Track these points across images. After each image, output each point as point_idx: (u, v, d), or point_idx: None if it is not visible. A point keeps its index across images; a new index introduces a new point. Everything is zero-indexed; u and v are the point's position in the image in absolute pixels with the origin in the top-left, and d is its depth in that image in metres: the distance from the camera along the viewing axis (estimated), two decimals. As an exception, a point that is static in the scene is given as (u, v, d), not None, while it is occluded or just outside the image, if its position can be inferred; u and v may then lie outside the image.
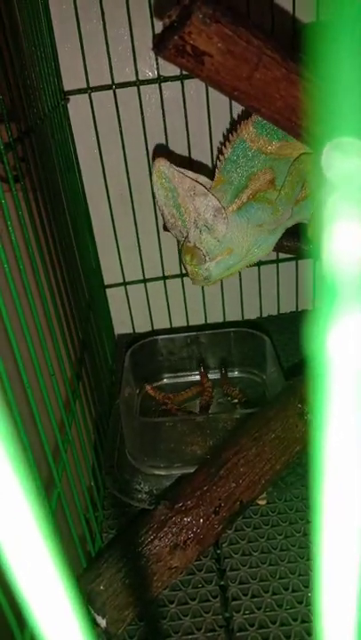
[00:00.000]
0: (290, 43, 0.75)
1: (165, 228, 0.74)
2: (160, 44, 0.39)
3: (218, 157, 0.57)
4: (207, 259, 0.56)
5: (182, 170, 0.54)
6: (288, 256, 0.87)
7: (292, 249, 0.63)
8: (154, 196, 0.80)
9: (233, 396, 0.72)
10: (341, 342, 0.10)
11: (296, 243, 0.63)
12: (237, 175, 0.56)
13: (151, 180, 0.55)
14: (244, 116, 0.57)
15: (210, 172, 0.60)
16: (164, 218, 0.57)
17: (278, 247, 0.62)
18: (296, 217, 0.60)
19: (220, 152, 0.57)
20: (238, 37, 0.38)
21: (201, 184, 0.55)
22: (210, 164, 0.81)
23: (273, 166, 0.56)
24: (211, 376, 0.77)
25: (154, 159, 0.55)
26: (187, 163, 0.81)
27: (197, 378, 0.78)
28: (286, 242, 0.62)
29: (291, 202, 0.57)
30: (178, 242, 0.59)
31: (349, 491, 0.13)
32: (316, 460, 0.12)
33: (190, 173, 0.55)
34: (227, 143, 0.57)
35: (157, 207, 0.58)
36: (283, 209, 0.57)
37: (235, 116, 0.79)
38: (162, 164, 0.53)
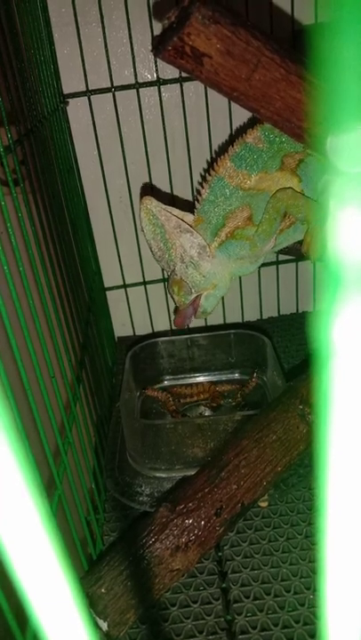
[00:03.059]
0: (289, 44, 0.75)
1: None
2: (159, 46, 0.40)
3: (196, 198, 0.58)
4: (193, 291, 0.59)
5: (169, 208, 0.57)
6: (288, 258, 0.87)
7: (292, 250, 0.63)
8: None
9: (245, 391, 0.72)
10: (346, 333, 0.10)
11: (296, 244, 0.63)
12: (215, 214, 0.58)
13: (141, 212, 0.57)
14: (223, 150, 0.58)
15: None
16: (151, 250, 0.59)
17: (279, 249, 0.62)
18: (283, 244, 0.61)
19: (198, 192, 0.58)
20: (237, 38, 0.38)
21: (186, 222, 0.57)
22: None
23: (250, 203, 0.57)
24: (212, 379, 0.77)
25: (141, 197, 0.58)
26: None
27: (198, 380, 0.78)
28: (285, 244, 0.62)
29: (270, 236, 0.58)
30: (164, 271, 0.62)
31: (354, 491, 0.12)
32: (321, 459, 0.12)
33: (176, 211, 0.57)
34: (204, 183, 0.57)
35: (145, 240, 0.59)
36: (261, 244, 0.58)
37: (233, 119, 0.79)
38: (149, 203, 0.56)
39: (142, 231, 0.58)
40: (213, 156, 0.81)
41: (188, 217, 0.58)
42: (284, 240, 0.60)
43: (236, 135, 0.80)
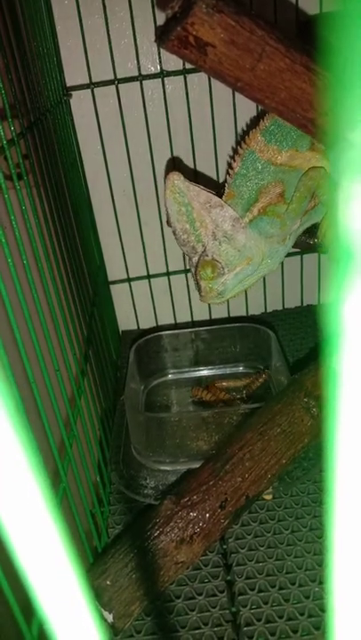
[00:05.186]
0: (294, 34, 0.74)
1: (169, 225, 0.74)
2: (163, 36, 0.39)
3: (227, 172, 0.57)
4: (226, 270, 0.56)
5: (195, 184, 0.54)
6: (293, 250, 0.86)
7: (297, 243, 0.63)
8: (158, 196, 0.81)
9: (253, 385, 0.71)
10: (356, 322, 0.10)
11: (301, 237, 0.63)
12: (247, 189, 0.56)
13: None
14: (252, 125, 0.57)
15: (213, 182, 0.59)
16: (175, 234, 0.57)
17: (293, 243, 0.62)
18: (305, 224, 0.60)
19: (230, 166, 0.57)
20: (241, 27, 0.38)
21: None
22: (213, 161, 0.81)
23: (283, 179, 0.56)
24: (217, 372, 0.77)
25: (166, 174, 0.55)
26: (193, 175, 0.80)
27: (203, 374, 0.78)
28: (304, 237, 0.62)
29: (298, 215, 0.57)
30: (186, 258, 0.59)
31: None
32: (328, 451, 0.12)
33: (203, 187, 0.55)
34: (236, 157, 0.56)
35: (169, 224, 0.56)
36: (290, 223, 0.57)
37: (237, 111, 0.78)
38: (176, 179, 0.53)
39: (166, 212, 0.55)
40: (217, 147, 0.80)
41: (214, 197, 0.56)
42: (307, 221, 0.59)
43: (239, 127, 0.80)
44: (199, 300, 0.59)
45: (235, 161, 0.56)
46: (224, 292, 0.58)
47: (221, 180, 0.72)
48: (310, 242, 0.63)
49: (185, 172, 0.80)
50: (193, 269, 0.58)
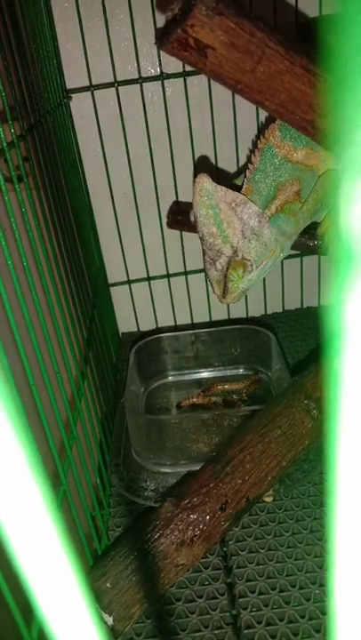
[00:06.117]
0: (293, 36, 0.74)
1: (170, 226, 0.74)
2: (163, 38, 0.39)
3: (247, 167, 0.57)
4: (254, 267, 0.57)
5: (220, 185, 0.54)
6: (293, 252, 0.86)
7: (297, 245, 0.63)
8: (158, 198, 0.81)
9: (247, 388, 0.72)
10: (357, 323, 0.10)
11: (301, 238, 0.63)
12: (266, 185, 0.56)
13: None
14: (271, 119, 0.57)
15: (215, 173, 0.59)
16: (202, 239, 0.56)
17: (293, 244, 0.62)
18: (309, 222, 0.61)
19: (249, 161, 0.57)
20: (241, 30, 0.38)
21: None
22: (213, 161, 0.81)
23: (300, 177, 0.56)
24: (217, 374, 0.77)
25: (195, 177, 0.55)
26: (192, 175, 0.80)
27: (203, 376, 0.78)
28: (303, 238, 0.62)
29: (311, 215, 0.58)
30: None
31: None
32: (329, 453, 0.12)
33: (227, 187, 0.55)
34: (255, 151, 0.57)
35: (196, 229, 0.56)
36: (303, 222, 0.58)
37: (237, 113, 0.78)
38: (205, 181, 0.53)
39: (194, 215, 0.55)
40: (217, 150, 0.80)
41: (239, 195, 0.56)
42: (312, 217, 0.60)
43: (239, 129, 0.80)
44: (220, 302, 0.59)
45: (255, 155, 0.56)
46: (246, 290, 0.59)
47: (221, 181, 0.71)
48: (310, 244, 0.63)
49: (183, 178, 0.80)
50: (215, 273, 0.57)
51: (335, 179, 0.55)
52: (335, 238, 0.10)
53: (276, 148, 0.55)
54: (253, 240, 0.56)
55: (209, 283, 0.59)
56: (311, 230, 0.62)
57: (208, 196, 0.53)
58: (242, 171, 0.70)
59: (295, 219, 0.57)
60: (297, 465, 0.56)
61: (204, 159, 0.81)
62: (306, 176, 0.56)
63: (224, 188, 0.54)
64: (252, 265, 0.56)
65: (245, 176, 0.57)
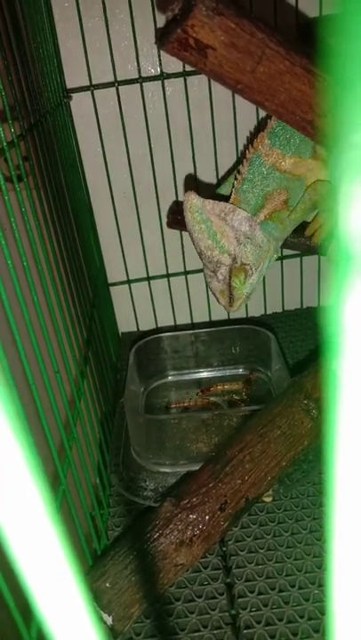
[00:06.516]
0: (294, 36, 0.74)
1: (169, 226, 0.74)
2: (163, 38, 0.39)
3: (235, 177, 0.58)
4: (253, 270, 0.58)
5: (208, 199, 0.55)
6: (292, 253, 0.87)
7: (296, 245, 0.63)
8: (158, 198, 0.81)
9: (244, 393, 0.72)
10: (356, 323, 0.10)
11: (301, 239, 0.63)
12: (254, 195, 0.57)
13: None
14: (253, 129, 0.57)
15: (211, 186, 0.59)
16: (200, 254, 0.58)
17: (282, 244, 0.62)
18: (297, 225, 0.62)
19: (238, 171, 0.58)
20: (242, 30, 0.38)
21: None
22: (212, 161, 0.81)
23: (287, 187, 0.57)
24: (217, 374, 0.77)
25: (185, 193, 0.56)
26: (192, 175, 0.80)
27: (203, 375, 0.78)
28: (290, 237, 0.62)
29: (298, 223, 0.59)
30: (207, 276, 0.59)
31: None
32: (328, 453, 0.12)
33: (214, 200, 0.56)
34: (244, 161, 0.57)
35: (193, 246, 0.58)
36: (290, 228, 0.59)
37: (237, 113, 0.78)
38: (193, 198, 0.54)
39: (190, 233, 0.56)
40: (217, 149, 0.80)
41: (226, 205, 0.57)
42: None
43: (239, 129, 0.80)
44: (227, 311, 0.60)
45: (243, 165, 0.57)
46: (249, 293, 0.60)
47: (202, 192, 0.71)
48: (310, 244, 0.63)
49: (183, 178, 0.80)
50: (217, 284, 0.58)
51: (325, 190, 0.56)
52: (334, 239, 0.10)
53: (265, 156, 0.56)
54: (248, 244, 0.57)
55: (213, 295, 0.60)
56: (303, 230, 0.62)
57: (198, 212, 0.55)
58: (222, 182, 0.70)
59: (283, 226, 0.58)
60: (296, 465, 0.56)
61: (187, 169, 0.81)
62: (294, 185, 0.57)
63: (211, 200, 0.55)
64: (251, 268, 0.57)
65: (234, 186, 0.58)
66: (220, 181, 0.81)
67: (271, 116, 0.55)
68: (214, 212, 0.55)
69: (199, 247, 0.57)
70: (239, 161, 0.59)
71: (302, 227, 0.62)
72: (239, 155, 0.81)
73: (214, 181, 0.83)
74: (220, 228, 0.56)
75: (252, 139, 0.60)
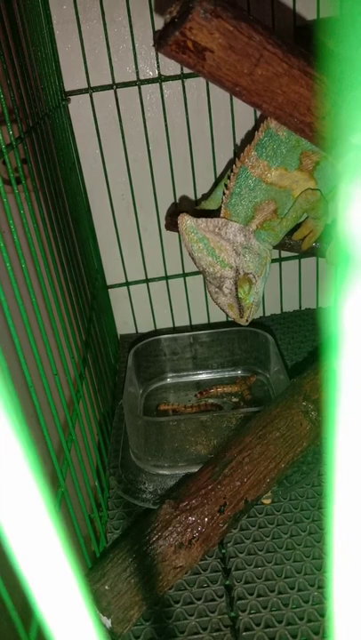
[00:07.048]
0: (291, 38, 0.75)
1: (168, 228, 0.74)
2: (161, 41, 0.39)
3: (224, 192, 0.59)
4: (256, 277, 0.59)
5: (200, 219, 0.57)
6: (291, 254, 0.87)
7: (294, 246, 0.63)
8: (156, 200, 0.81)
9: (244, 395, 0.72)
10: (355, 324, 0.10)
11: (300, 241, 0.63)
12: (243, 207, 0.58)
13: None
14: (251, 135, 0.58)
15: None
16: (203, 272, 0.59)
17: (281, 245, 0.62)
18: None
19: (226, 186, 0.59)
20: (239, 32, 0.38)
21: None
22: (211, 165, 0.81)
23: (275, 198, 0.58)
24: (216, 376, 0.77)
25: (167, 217, 0.57)
26: (191, 176, 0.80)
27: (201, 377, 0.78)
28: (289, 239, 0.62)
29: (288, 230, 0.60)
30: (212, 293, 0.60)
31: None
32: (328, 454, 0.12)
33: (207, 217, 0.57)
34: (231, 176, 0.58)
35: (195, 265, 0.59)
36: (281, 235, 0.60)
37: (235, 115, 0.79)
38: (186, 220, 0.56)
39: (190, 254, 0.58)
40: (215, 152, 0.80)
41: (218, 220, 0.59)
42: None
43: (237, 132, 0.80)
44: (240, 323, 0.61)
45: (230, 180, 0.58)
46: (258, 302, 0.61)
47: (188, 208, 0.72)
48: (301, 247, 0.63)
49: (182, 179, 0.81)
50: (224, 299, 0.59)
51: (315, 198, 0.57)
52: (333, 241, 0.10)
53: (251, 168, 0.57)
54: (247, 253, 0.58)
55: (221, 309, 0.61)
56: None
57: (194, 232, 0.56)
58: (208, 195, 0.71)
59: (275, 232, 0.60)
60: (295, 467, 0.56)
61: (185, 171, 0.81)
62: (281, 196, 0.58)
63: (204, 219, 0.57)
64: (254, 277, 0.59)
65: (223, 201, 0.59)
66: (205, 196, 0.81)
67: (259, 129, 0.56)
68: (209, 228, 0.57)
69: (201, 266, 0.58)
70: (227, 169, 0.60)
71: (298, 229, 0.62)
72: (237, 156, 0.81)
73: (214, 182, 0.83)
74: (217, 244, 0.57)
75: (239, 152, 0.61)
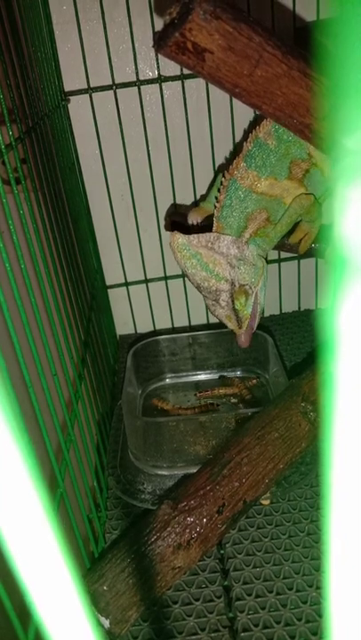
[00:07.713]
0: (291, 40, 0.75)
1: (167, 228, 0.74)
2: (161, 42, 0.39)
3: (215, 206, 0.59)
4: (253, 289, 0.59)
5: (192, 235, 0.57)
6: (290, 255, 0.87)
7: (293, 247, 0.63)
8: (155, 201, 0.81)
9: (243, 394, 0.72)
10: (352, 326, 0.10)
11: (296, 243, 0.63)
12: (235, 219, 0.58)
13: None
14: (236, 153, 0.58)
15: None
16: (198, 288, 0.59)
17: (280, 246, 0.62)
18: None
19: (217, 199, 0.59)
20: (239, 34, 0.38)
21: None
22: (210, 165, 0.81)
23: (267, 207, 0.58)
24: (214, 376, 0.77)
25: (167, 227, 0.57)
26: (191, 176, 0.80)
27: (200, 378, 0.78)
28: (287, 240, 0.62)
29: (282, 234, 0.60)
30: (210, 307, 0.60)
31: (358, 488, 0.12)
32: (326, 455, 0.12)
33: (198, 232, 0.57)
34: (221, 189, 0.58)
35: (190, 281, 0.59)
36: (275, 240, 0.60)
37: (235, 116, 0.79)
38: (178, 238, 0.56)
39: (183, 271, 0.58)
40: (215, 153, 0.80)
41: (210, 234, 0.59)
42: None
43: (237, 132, 0.80)
44: (238, 334, 0.61)
45: (220, 193, 0.58)
46: (262, 309, 0.61)
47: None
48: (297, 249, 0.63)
49: (182, 180, 0.81)
50: (221, 311, 0.60)
51: (309, 203, 0.57)
52: (332, 243, 0.10)
53: (240, 180, 0.57)
54: (241, 265, 0.58)
55: (219, 320, 0.61)
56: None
57: (186, 249, 0.56)
58: (205, 197, 0.71)
59: (269, 239, 0.60)
60: (294, 467, 0.56)
61: (184, 172, 0.81)
62: (272, 205, 0.58)
63: (195, 235, 0.57)
64: (250, 287, 0.59)
65: (214, 214, 0.59)
66: (201, 198, 0.81)
67: (248, 139, 0.56)
68: (201, 244, 0.57)
69: (195, 282, 0.58)
70: (224, 168, 0.60)
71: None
72: (237, 155, 0.81)
73: (212, 181, 0.83)
74: (210, 258, 0.57)
75: (227, 165, 0.61)
